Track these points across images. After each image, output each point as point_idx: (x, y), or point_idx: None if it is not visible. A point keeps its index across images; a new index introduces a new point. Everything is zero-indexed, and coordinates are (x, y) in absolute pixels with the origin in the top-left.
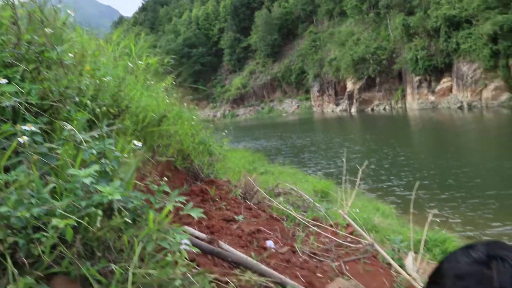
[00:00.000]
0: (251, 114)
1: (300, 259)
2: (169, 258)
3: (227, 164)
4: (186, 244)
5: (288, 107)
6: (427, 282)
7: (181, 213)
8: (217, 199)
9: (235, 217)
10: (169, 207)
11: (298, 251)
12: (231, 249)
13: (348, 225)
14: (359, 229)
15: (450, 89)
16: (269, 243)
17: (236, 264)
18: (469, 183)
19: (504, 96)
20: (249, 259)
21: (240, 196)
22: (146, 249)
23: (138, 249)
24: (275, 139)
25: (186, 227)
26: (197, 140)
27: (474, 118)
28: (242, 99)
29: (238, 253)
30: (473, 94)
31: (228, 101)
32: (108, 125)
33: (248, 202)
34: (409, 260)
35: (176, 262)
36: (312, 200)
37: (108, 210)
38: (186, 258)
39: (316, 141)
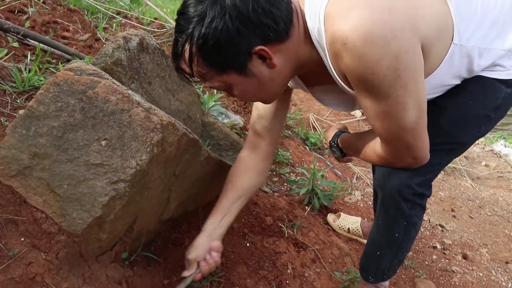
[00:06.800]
0: None
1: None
2: None
3: None
4: None
5: None
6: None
7: None
8: None
9: (25, 8)
10: None
11: (101, 38)
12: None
13: (156, 18)
14: (163, 14)
15: None
16: None
17: (42, 43)
18: None
19: None
20: (56, 42)
21: None
22: None
23: None
24: None
25: None
26: None
27: None
28: None
29: (43, 37)
30: None
31: None
32: None
33: None
34: None
35: None
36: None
37: None
38: None
39: None
